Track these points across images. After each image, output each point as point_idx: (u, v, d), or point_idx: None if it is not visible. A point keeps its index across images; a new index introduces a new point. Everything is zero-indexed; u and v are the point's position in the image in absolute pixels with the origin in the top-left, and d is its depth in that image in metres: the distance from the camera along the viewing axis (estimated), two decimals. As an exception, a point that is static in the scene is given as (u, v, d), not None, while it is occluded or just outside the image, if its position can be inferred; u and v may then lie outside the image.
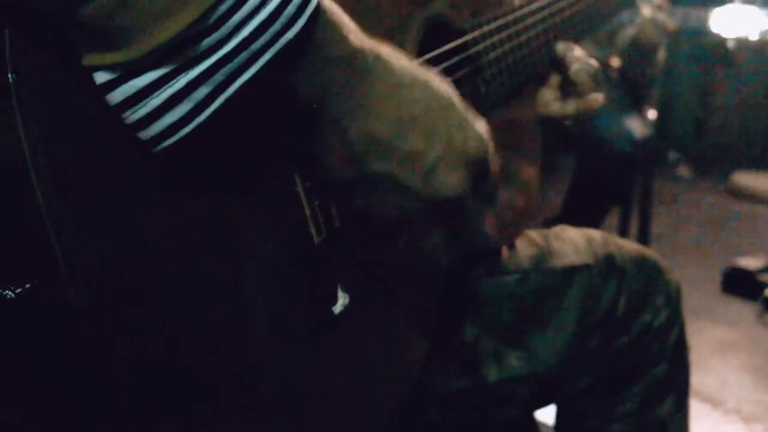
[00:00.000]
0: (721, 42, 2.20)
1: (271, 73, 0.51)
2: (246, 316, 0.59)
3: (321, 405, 0.67)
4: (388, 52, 0.59)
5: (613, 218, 2.94)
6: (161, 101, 0.48)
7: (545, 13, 0.99)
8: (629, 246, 1.05)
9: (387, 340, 0.75)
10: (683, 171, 4.77)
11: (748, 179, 4.44)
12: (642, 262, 1.03)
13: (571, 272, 0.97)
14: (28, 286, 0.49)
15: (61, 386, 0.52)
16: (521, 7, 0.96)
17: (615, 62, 2.74)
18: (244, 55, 0.49)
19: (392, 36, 0.73)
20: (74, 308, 0.49)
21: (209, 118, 0.50)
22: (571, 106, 1.01)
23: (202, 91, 0.49)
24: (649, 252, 1.07)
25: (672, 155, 4.89)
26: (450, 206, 0.62)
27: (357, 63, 0.56)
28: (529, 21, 0.96)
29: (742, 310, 2.78)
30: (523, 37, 0.93)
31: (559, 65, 1.01)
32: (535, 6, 0.98)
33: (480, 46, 0.86)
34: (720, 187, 4.48)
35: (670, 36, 2.43)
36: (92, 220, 0.50)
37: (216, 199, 0.57)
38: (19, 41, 0.48)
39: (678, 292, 1.07)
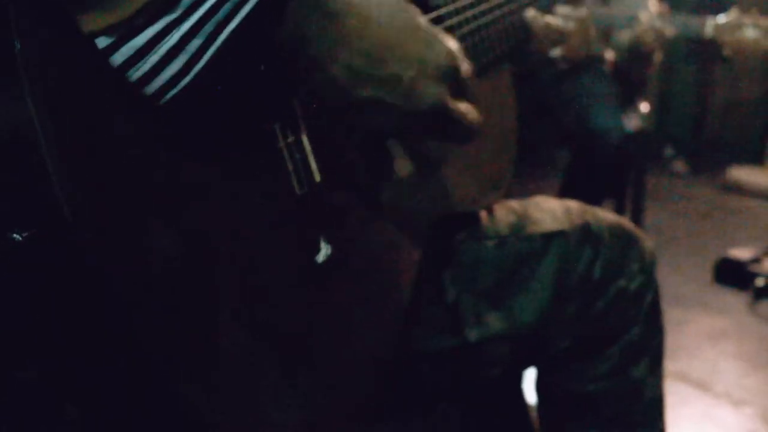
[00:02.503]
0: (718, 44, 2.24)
1: (254, 22, 0.56)
2: (233, 266, 0.64)
3: (307, 354, 0.71)
4: None
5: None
6: (160, 56, 0.54)
7: None
8: (606, 215, 1.10)
9: (369, 293, 0.80)
10: (679, 166, 4.81)
11: (742, 174, 4.51)
12: (618, 231, 1.08)
13: (548, 238, 1.01)
14: (35, 230, 0.54)
15: (67, 324, 0.57)
16: None
17: (609, 56, 2.78)
18: (227, 6, 0.54)
19: None
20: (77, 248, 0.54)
21: (205, 67, 0.55)
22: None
23: (195, 43, 0.55)
24: (625, 221, 1.12)
25: (668, 151, 4.93)
26: (433, 113, 0.70)
27: (328, 6, 0.63)
28: None
29: (734, 299, 2.82)
30: (497, 12, 0.98)
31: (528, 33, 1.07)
32: None
33: (453, 20, 0.90)
34: (715, 182, 4.55)
35: (668, 42, 2.46)
36: (92, 172, 0.55)
37: (206, 154, 0.62)
38: (23, 11, 0.52)
39: (652, 258, 1.11)
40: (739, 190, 4.42)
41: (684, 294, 2.86)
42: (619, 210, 3.06)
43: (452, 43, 0.72)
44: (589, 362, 1.06)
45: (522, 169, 3.37)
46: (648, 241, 1.12)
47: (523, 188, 3.45)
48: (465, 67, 0.73)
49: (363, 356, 0.77)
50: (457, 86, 0.72)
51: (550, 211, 1.06)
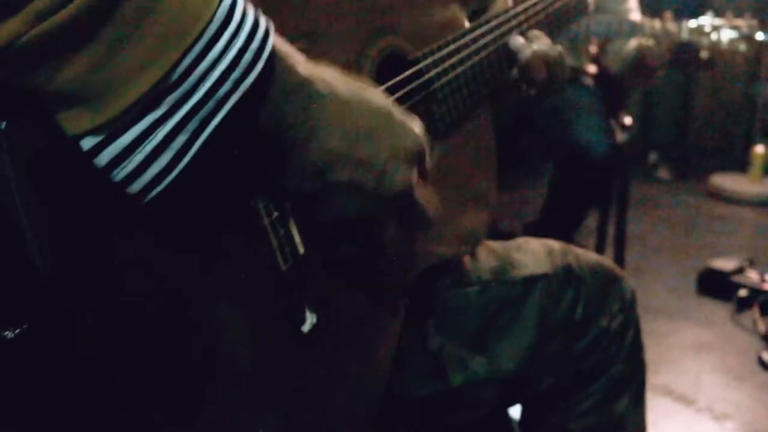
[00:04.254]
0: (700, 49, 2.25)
1: (237, 115, 0.58)
2: (221, 342, 0.66)
3: (295, 416, 0.74)
4: (331, 75, 0.68)
5: (594, 220, 3.03)
6: (145, 155, 0.55)
7: (496, 34, 1.05)
8: (587, 255, 1.13)
9: (356, 352, 0.82)
10: (663, 173, 4.85)
11: (725, 181, 4.55)
12: (599, 271, 1.10)
13: (530, 282, 1.04)
14: (25, 326, 0.54)
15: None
16: (472, 30, 1.02)
17: (591, 69, 2.81)
18: (211, 104, 0.56)
19: (349, 70, 0.80)
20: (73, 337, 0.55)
21: (190, 162, 0.56)
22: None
23: (180, 140, 0.56)
24: (606, 261, 1.15)
25: (652, 157, 4.97)
26: (402, 197, 0.71)
27: (307, 91, 0.64)
28: (480, 42, 1.02)
29: (717, 310, 2.85)
30: (475, 58, 1.00)
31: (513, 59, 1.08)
32: (485, 28, 1.04)
33: (432, 73, 0.93)
34: (699, 189, 4.59)
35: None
36: (79, 259, 0.56)
37: (192, 236, 0.64)
38: (9, 91, 0.52)
39: (632, 297, 1.14)
40: (722, 197, 4.45)
41: (668, 305, 2.90)
42: (604, 220, 3.10)
43: (418, 126, 0.73)
44: (572, 400, 1.08)
45: (510, 180, 3.40)
46: (628, 280, 1.15)
47: (511, 199, 3.50)
48: (427, 146, 0.74)
49: (350, 414, 0.80)
50: (421, 170, 0.74)
51: (532, 253, 1.08)
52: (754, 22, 2.20)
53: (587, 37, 2.64)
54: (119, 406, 0.58)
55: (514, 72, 1.09)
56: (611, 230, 2.95)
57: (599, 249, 3.20)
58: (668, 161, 4.95)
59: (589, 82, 2.81)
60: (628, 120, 2.85)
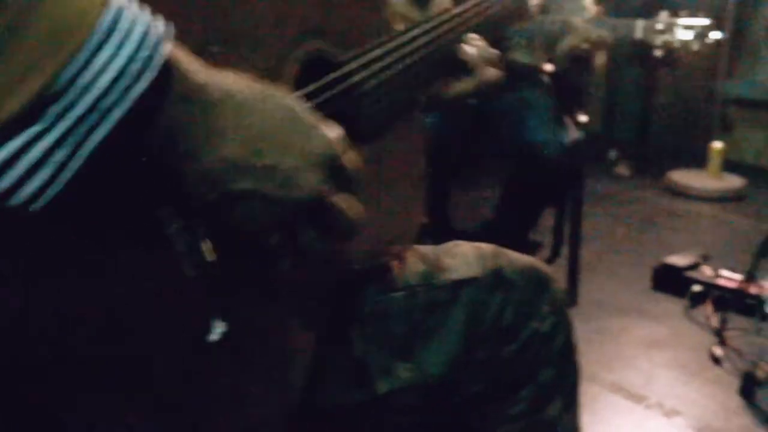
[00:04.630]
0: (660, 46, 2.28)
1: (127, 125, 0.56)
2: (125, 352, 0.66)
3: (204, 427, 0.73)
4: (234, 81, 0.66)
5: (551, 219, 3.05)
6: (21, 171, 0.53)
7: (431, 36, 1.05)
8: (520, 258, 1.12)
9: (269, 362, 0.81)
10: (622, 170, 4.88)
11: (683, 177, 4.59)
12: (530, 274, 1.10)
13: (458, 286, 1.03)
14: None
15: None
16: (406, 32, 1.01)
17: (548, 68, 2.82)
18: (95, 115, 0.54)
19: (270, 75, 0.78)
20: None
21: (73, 177, 0.55)
22: (468, 83, 1.08)
23: (60, 154, 0.54)
24: (537, 263, 1.14)
25: (612, 154, 5.00)
26: (312, 204, 0.69)
27: (204, 98, 0.63)
28: (414, 45, 1.01)
29: (671, 306, 2.88)
30: (408, 61, 0.99)
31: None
32: (419, 30, 1.03)
33: (360, 76, 0.91)
34: (658, 185, 4.63)
35: (611, 46, 2.49)
36: None
37: (95, 247, 0.63)
38: None
39: (563, 299, 1.14)
40: (680, 193, 4.50)
41: (623, 302, 2.92)
42: (560, 218, 3.11)
43: (334, 132, 0.72)
44: (502, 405, 1.08)
45: (467, 180, 3.41)
46: (559, 282, 1.15)
47: (467, 198, 3.50)
48: (350, 156, 0.72)
49: (261, 424, 0.79)
50: (340, 177, 0.71)
51: (462, 257, 1.08)
52: (708, 22, 2.22)
53: (544, 36, 2.65)
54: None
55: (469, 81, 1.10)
56: (569, 228, 2.96)
57: (555, 247, 3.22)
58: (628, 158, 4.98)
59: (546, 80, 2.82)
60: (583, 118, 2.86)
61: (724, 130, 5.43)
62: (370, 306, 0.98)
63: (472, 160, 2.86)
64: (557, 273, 2.88)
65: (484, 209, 2.98)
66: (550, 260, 3.23)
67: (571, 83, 2.85)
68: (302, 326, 0.83)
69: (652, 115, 5.53)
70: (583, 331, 2.61)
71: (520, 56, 2.80)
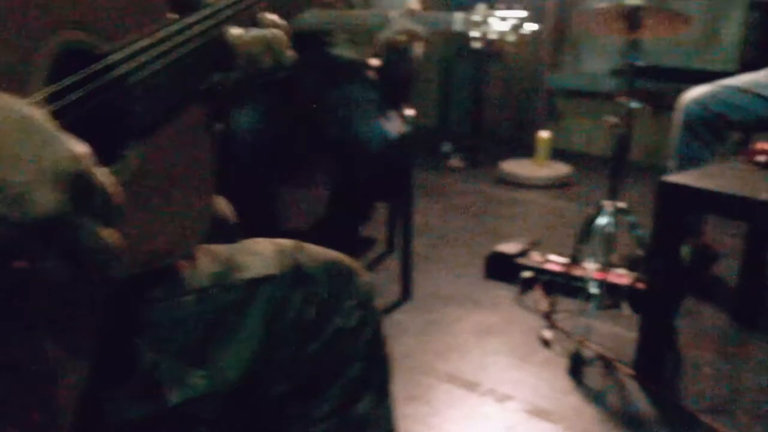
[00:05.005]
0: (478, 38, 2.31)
1: None
2: None
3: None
4: None
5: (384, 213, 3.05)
6: None
7: (206, 25, 0.98)
8: (323, 252, 1.09)
9: (29, 390, 0.74)
10: (456, 162, 4.97)
11: (513, 166, 4.72)
12: (333, 268, 1.07)
13: (255, 284, 0.99)
14: None
15: None
16: (178, 21, 0.94)
17: (373, 62, 2.81)
18: None
19: (11, 72, 0.71)
20: None
21: None
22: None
23: None
24: (341, 256, 1.11)
25: (445, 147, 5.08)
26: (50, 225, 0.62)
27: None
28: (187, 34, 0.94)
29: (503, 293, 2.93)
30: (181, 51, 0.92)
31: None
32: (192, 19, 0.96)
33: (125, 68, 0.84)
34: (490, 176, 4.74)
35: (422, 38, 2.51)
36: None
37: None
38: None
39: (370, 292, 1.11)
40: (511, 182, 4.62)
41: (456, 292, 2.95)
42: (393, 214, 3.12)
43: (80, 147, 0.65)
44: (309, 405, 1.05)
45: (297, 179, 3.36)
46: (365, 275, 1.12)
47: (293, 198, 3.46)
48: (101, 174, 0.66)
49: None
50: (87, 196, 0.64)
51: (259, 254, 1.03)
52: (524, 14, 2.27)
53: (365, 31, 2.64)
54: None
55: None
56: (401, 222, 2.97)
57: (390, 241, 3.24)
58: (461, 151, 5.07)
59: (371, 75, 2.81)
60: (410, 111, 2.87)
61: (553, 120, 5.62)
62: (157, 312, 0.92)
63: (300, 158, 2.82)
64: (393, 267, 2.92)
65: (317, 207, 2.94)
66: (385, 254, 3.25)
67: (397, 77, 2.86)
68: (63, 343, 0.76)
69: (485, 108, 5.66)
70: (417, 322, 2.65)
71: (344, 51, 2.79)
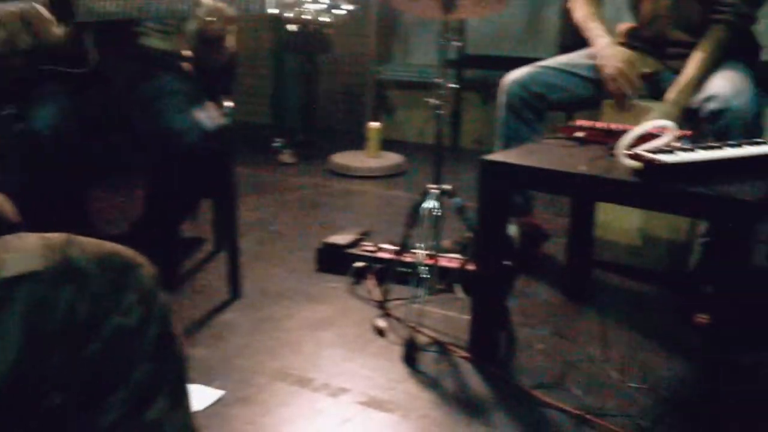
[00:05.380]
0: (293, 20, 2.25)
1: None
2: None
3: None
4: None
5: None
6: None
7: None
8: (96, 245, 0.97)
9: None
10: (287, 157, 4.88)
11: (345, 158, 4.69)
12: (108, 261, 0.96)
13: (14, 283, 0.87)
14: None
15: None
16: None
17: (186, 53, 2.68)
18: None
19: None
20: None
21: None
22: None
23: None
24: (119, 248, 1.00)
25: (276, 142, 4.99)
26: None
27: None
28: None
29: (335, 286, 2.87)
30: None
31: None
32: None
33: None
34: (323, 169, 4.68)
35: (235, 21, 2.41)
36: None
37: None
38: None
39: (153, 287, 1.00)
40: (343, 174, 4.59)
41: (289, 287, 2.86)
42: (220, 211, 3.00)
43: None
44: (93, 414, 0.93)
45: (113, 182, 3.18)
46: (148, 268, 1.01)
47: (109, 200, 3.29)
48: None
49: None
50: None
51: (21, 250, 0.91)
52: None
53: (175, 19, 2.52)
54: None
55: None
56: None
57: (218, 240, 3.11)
58: (294, 146, 4.99)
59: (186, 66, 2.67)
60: (229, 103, 2.75)
61: (386, 112, 5.63)
62: None
63: (112, 157, 2.64)
64: (222, 266, 2.79)
65: (135, 208, 2.78)
66: (214, 254, 3.12)
67: (213, 67, 2.73)
68: None
69: (318, 102, 5.61)
70: (247, 321, 2.54)
71: (155, 42, 2.65)
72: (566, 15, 4.08)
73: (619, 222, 3.06)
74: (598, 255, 3.06)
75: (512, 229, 3.05)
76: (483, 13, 3.01)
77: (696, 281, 2.81)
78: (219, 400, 2.05)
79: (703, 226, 2.84)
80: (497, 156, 2.20)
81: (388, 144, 4.95)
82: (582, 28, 3.00)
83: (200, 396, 2.06)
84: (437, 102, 2.64)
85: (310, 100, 5.45)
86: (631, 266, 3.05)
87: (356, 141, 4.92)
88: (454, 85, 2.61)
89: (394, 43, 5.87)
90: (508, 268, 2.62)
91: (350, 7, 2.36)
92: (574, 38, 3.13)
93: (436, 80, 2.62)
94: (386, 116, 5.74)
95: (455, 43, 2.58)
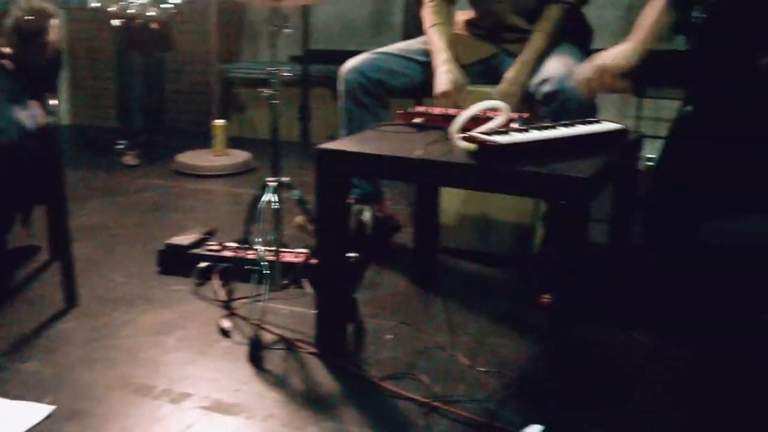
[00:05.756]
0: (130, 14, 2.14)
1: None
2: None
3: None
4: None
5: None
6: None
7: None
8: None
9: None
10: (130, 159, 4.72)
11: (191, 158, 4.58)
12: None
13: None
14: None
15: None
16: None
17: (5, 50, 2.53)
18: None
19: None
20: None
21: None
22: None
23: None
24: None
25: (119, 144, 4.81)
26: None
27: None
28: None
29: (179, 288, 2.76)
30: None
31: None
32: None
33: None
34: (168, 170, 4.55)
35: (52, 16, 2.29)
36: None
37: None
38: None
39: None
40: (189, 174, 4.48)
41: (130, 292, 2.74)
42: (55, 216, 2.84)
43: None
44: None
45: None
46: None
47: None
48: None
49: None
50: None
51: None
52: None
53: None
54: None
55: None
56: (74, 224, 2.71)
57: (53, 247, 2.94)
58: (140, 147, 4.83)
59: (5, 63, 2.52)
60: (54, 102, 2.61)
61: (236, 110, 5.53)
62: None
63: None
64: (58, 274, 2.63)
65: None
66: (50, 262, 2.96)
67: (34, 64, 2.58)
68: None
69: (166, 102, 5.47)
70: (84, 330, 2.41)
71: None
72: (410, 9, 4.11)
73: (463, 207, 3.07)
74: (444, 242, 3.06)
75: (367, 216, 3.02)
76: (314, 1, 2.97)
77: (540, 262, 2.85)
78: (49, 417, 1.92)
79: (544, 208, 2.88)
80: (332, 144, 2.15)
81: (240, 142, 4.86)
82: (428, 37, 2.99)
83: (27, 414, 1.92)
84: (271, 92, 2.57)
85: (154, 100, 5.28)
86: (477, 251, 3.07)
87: (204, 140, 4.80)
88: (287, 75, 2.54)
89: (243, 41, 5.77)
90: (359, 260, 2.59)
91: (177, 1, 2.26)
92: (419, 32, 3.12)
93: (269, 70, 2.55)
94: (237, 114, 5.64)
95: (287, 31, 2.50)
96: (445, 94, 2.76)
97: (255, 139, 5.30)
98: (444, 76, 2.79)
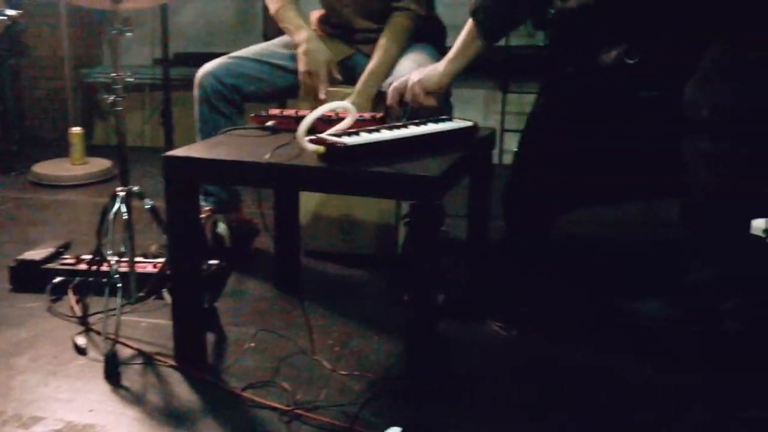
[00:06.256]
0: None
1: None
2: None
3: None
4: None
5: None
6: None
7: None
8: None
9: None
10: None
11: (47, 168, 4.41)
12: None
13: None
14: None
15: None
16: None
17: None
18: None
19: None
20: None
21: None
22: None
23: None
24: None
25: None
26: None
27: None
28: None
29: (32, 306, 2.64)
30: None
31: None
32: None
33: None
34: (24, 181, 4.38)
35: None
36: None
37: None
38: None
39: None
40: (45, 185, 4.32)
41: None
42: None
43: None
44: None
45: None
46: None
47: None
48: None
49: None
50: None
51: None
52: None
53: None
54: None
55: None
56: None
57: None
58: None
59: None
60: None
61: (100, 116, 5.37)
62: None
63: None
64: None
65: None
66: None
67: None
68: None
69: (24, 109, 5.27)
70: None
71: None
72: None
73: (324, 209, 3.06)
74: (307, 244, 3.04)
75: (222, 228, 2.96)
76: (153, 2, 2.90)
77: (402, 262, 2.86)
78: None
79: (406, 208, 2.90)
80: (179, 151, 2.10)
81: (105, 150, 4.70)
82: (278, 20, 2.96)
83: None
84: (113, 98, 2.49)
85: (14, 107, 5.07)
86: (341, 253, 3.06)
87: (64, 149, 4.64)
88: (129, 80, 2.46)
89: (105, 44, 5.61)
90: (220, 268, 2.54)
91: (13, 12, 2.16)
92: (278, 32, 3.08)
93: (111, 76, 2.47)
94: (101, 121, 5.48)
95: (128, 34, 2.43)
96: (309, 73, 2.74)
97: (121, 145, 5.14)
98: (314, 50, 2.78)
